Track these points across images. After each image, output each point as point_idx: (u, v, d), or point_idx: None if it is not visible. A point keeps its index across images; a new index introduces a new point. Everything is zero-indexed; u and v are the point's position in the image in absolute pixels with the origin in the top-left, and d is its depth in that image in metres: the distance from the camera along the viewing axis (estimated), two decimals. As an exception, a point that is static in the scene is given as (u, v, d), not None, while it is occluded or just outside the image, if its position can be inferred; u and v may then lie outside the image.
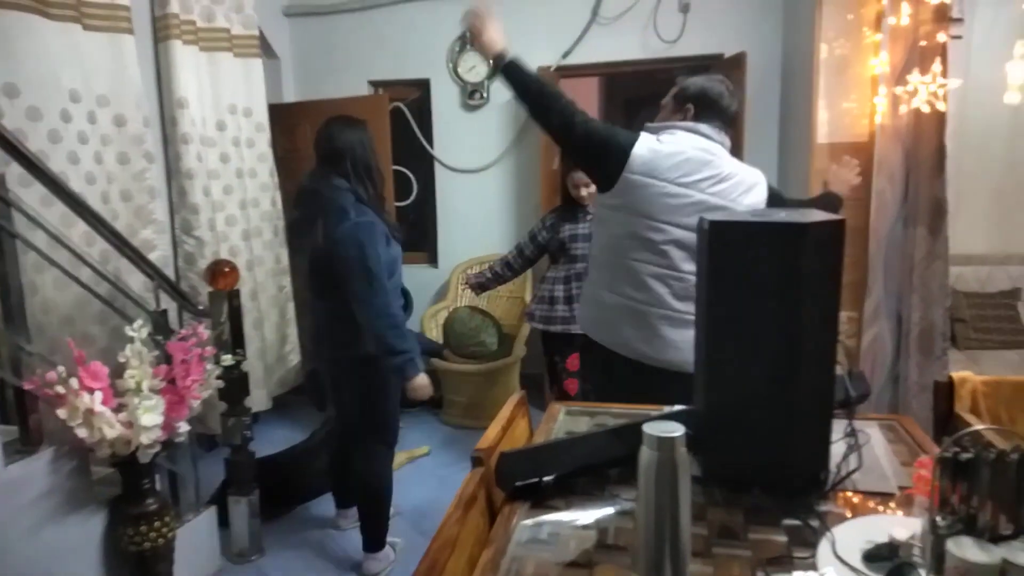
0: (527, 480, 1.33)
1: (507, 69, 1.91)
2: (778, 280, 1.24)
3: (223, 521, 2.61)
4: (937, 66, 2.69)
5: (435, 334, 4.18)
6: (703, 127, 1.95)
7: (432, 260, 4.62)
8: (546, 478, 1.35)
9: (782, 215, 1.33)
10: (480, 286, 3.39)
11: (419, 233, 4.89)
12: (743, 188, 1.95)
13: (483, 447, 1.41)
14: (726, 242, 1.28)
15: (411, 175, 4.56)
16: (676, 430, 0.97)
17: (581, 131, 1.88)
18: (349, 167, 2.39)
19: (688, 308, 1.92)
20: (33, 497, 1.89)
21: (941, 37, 2.62)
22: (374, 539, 2.55)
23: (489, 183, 4.31)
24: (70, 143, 2.73)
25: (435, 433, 3.95)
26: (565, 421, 1.73)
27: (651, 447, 0.97)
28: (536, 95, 1.91)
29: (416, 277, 4.50)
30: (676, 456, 0.96)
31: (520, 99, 1.94)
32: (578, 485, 1.37)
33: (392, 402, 2.54)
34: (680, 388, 1.98)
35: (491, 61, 1.97)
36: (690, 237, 1.85)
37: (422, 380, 2.42)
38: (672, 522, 0.97)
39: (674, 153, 1.88)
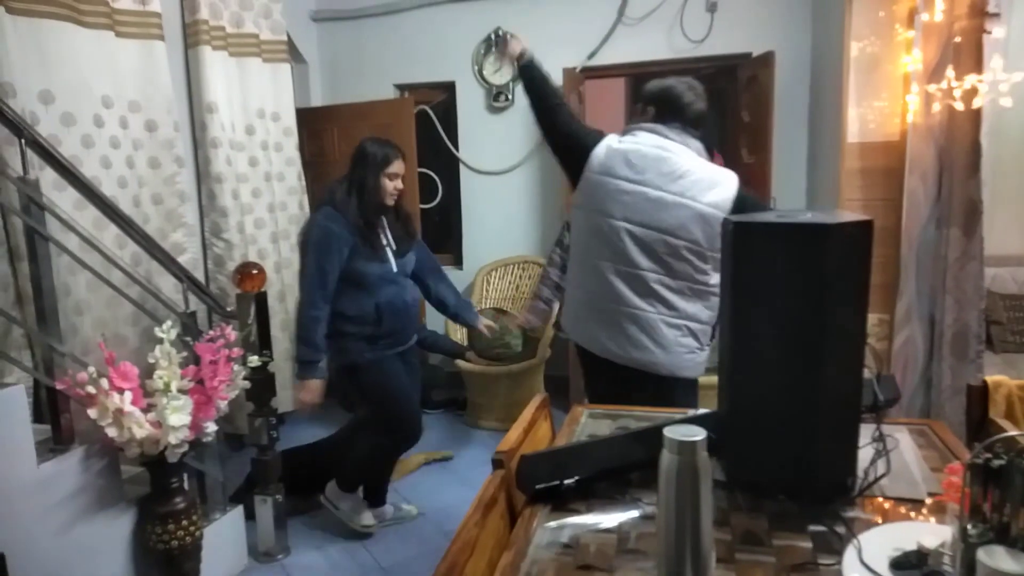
0: (548, 483, 1.32)
1: (522, 69, 2.15)
2: (803, 282, 1.22)
3: (249, 520, 2.65)
4: (973, 62, 2.63)
5: (460, 336, 4.19)
6: (661, 127, 2.05)
7: (457, 262, 4.63)
8: (567, 481, 1.34)
9: (808, 215, 1.31)
10: (540, 314, 3.38)
11: (444, 235, 4.91)
12: (704, 186, 1.96)
13: (504, 449, 1.40)
14: (750, 243, 1.26)
15: (436, 177, 4.58)
16: (697, 434, 0.95)
17: (563, 129, 2.08)
18: (347, 178, 2.62)
19: (649, 305, 1.99)
20: (64, 495, 1.93)
21: (977, 33, 2.55)
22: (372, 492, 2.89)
23: (514, 185, 4.31)
24: (102, 148, 2.78)
25: (459, 435, 3.95)
26: (587, 424, 1.72)
27: (672, 451, 0.96)
28: (538, 90, 2.11)
29: (441, 279, 4.52)
30: (697, 460, 0.95)
31: (527, 95, 2.13)
32: (599, 488, 1.36)
33: (393, 399, 2.68)
34: (654, 389, 2.00)
35: (514, 62, 2.21)
36: (646, 233, 1.96)
37: (309, 385, 2.57)
38: (693, 526, 0.95)
39: (629, 151, 2.00)
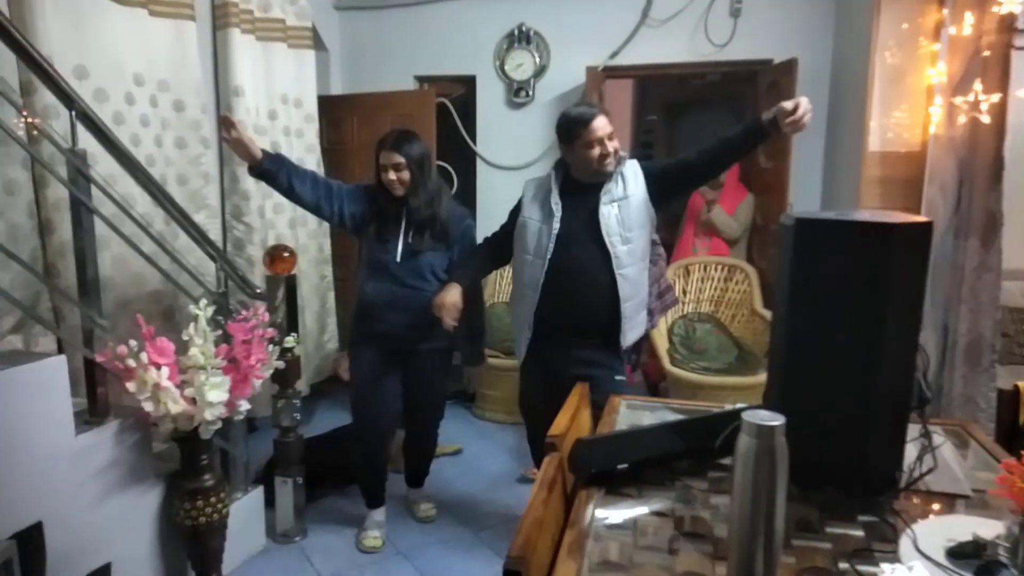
0: (602, 467, 1.35)
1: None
2: (862, 279, 1.25)
3: (268, 501, 2.66)
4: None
5: (471, 328, 4.20)
6: None
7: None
8: (620, 466, 1.37)
9: (865, 215, 1.34)
10: None
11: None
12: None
13: (555, 433, 1.43)
14: (810, 240, 1.29)
15: (452, 171, 4.59)
16: (776, 419, 0.98)
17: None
18: None
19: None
20: (99, 467, 1.94)
21: (1005, 47, 2.60)
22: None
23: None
24: (133, 125, 2.79)
25: (469, 427, 3.97)
26: (626, 414, 1.75)
27: (751, 435, 0.98)
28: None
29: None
30: (775, 444, 0.97)
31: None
32: (648, 475, 1.39)
33: (353, 393, 2.73)
34: None
35: None
36: None
37: None
38: (768, 509, 0.98)
39: None
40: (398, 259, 2.53)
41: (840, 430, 1.29)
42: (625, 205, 2.21)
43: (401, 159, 2.47)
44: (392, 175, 2.48)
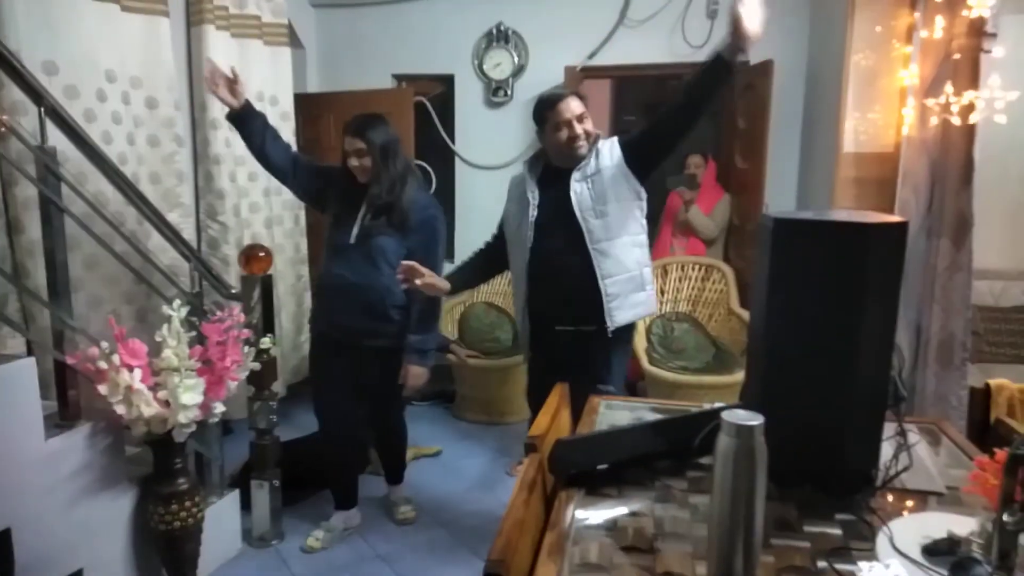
0: (582, 468, 1.35)
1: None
2: (839, 279, 1.26)
3: (244, 505, 2.63)
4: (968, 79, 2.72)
5: (451, 329, 4.19)
6: None
7: (449, 255, 4.60)
8: (600, 466, 1.36)
9: (843, 215, 1.35)
10: None
11: (435, 228, 4.90)
12: None
13: (536, 434, 1.42)
14: (788, 240, 1.29)
15: (431, 170, 4.57)
16: (755, 419, 0.99)
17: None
18: None
19: None
20: (70, 472, 1.91)
21: (975, 51, 2.65)
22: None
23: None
24: (104, 123, 2.74)
25: (447, 428, 3.96)
26: (605, 414, 1.75)
27: (730, 435, 0.99)
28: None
29: (432, 271, 4.51)
30: (755, 444, 0.98)
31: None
32: (628, 475, 1.39)
33: (313, 384, 2.78)
34: None
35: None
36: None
37: None
38: (747, 509, 0.99)
39: None
40: (352, 241, 2.47)
41: (817, 429, 1.30)
42: (598, 179, 2.21)
43: (363, 145, 2.41)
44: (355, 161, 2.43)
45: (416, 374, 2.55)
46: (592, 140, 2.23)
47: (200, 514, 2.17)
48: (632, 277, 2.28)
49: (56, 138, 1.99)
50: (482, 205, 4.43)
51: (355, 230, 2.47)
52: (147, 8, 2.92)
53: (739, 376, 3.50)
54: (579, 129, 2.19)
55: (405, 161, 2.54)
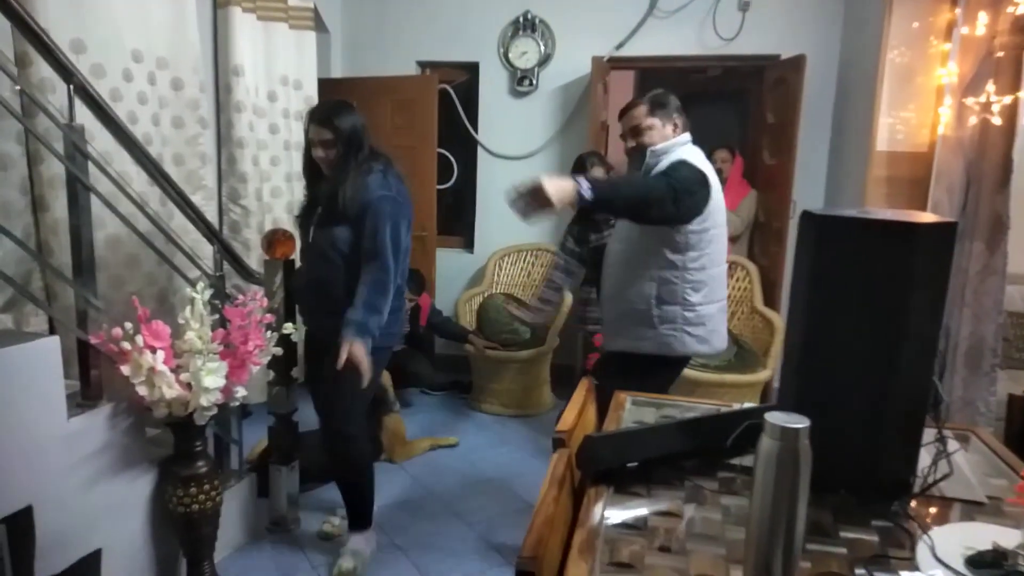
0: (611, 465, 1.32)
1: (595, 204, 1.88)
2: (886, 281, 1.22)
3: (261, 490, 2.62)
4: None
5: (469, 320, 4.17)
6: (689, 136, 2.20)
7: (468, 245, 4.61)
8: (629, 464, 1.34)
9: (888, 214, 1.31)
10: (540, 315, 3.01)
11: (455, 217, 4.88)
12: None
13: (563, 429, 1.40)
14: (832, 238, 1.26)
15: (452, 158, 4.54)
16: (801, 421, 0.95)
17: (685, 196, 1.95)
18: None
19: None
20: (91, 451, 1.90)
21: (1019, 49, 2.58)
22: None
23: (532, 171, 4.25)
24: (130, 103, 2.73)
25: (464, 419, 3.94)
26: (632, 411, 1.72)
27: (774, 437, 0.95)
28: (628, 202, 1.96)
29: (451, 261, 4.49)
30: (799, 447, 0.95)
31: (617, 214, 2.22)
32: (656, 474, 1.36)
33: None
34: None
35: (574, 207, 1.88)
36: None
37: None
38: (789, 513, 0.95)
39: (712, 170, 2.13)
40: (310, 238, 2.34)
41: (854, 432, 1.26)
42: None
43: (330, 135, 2.21)
44: (320, 152, 2.24)
45: (354, 351, 2.13)
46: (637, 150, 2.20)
47: (219, 497, 2.16)
48: (636, 310, 2.19)
49: (81, 116, 1.97)
50: (504, 195, 4.39)
51: (312, 226, 2.33)
52: (175, -12, 2.90)
53: (761, 375, 3.46)
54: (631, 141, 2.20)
55: (371, 149, 2.31)
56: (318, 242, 2.29)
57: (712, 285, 2.16)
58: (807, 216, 1.29)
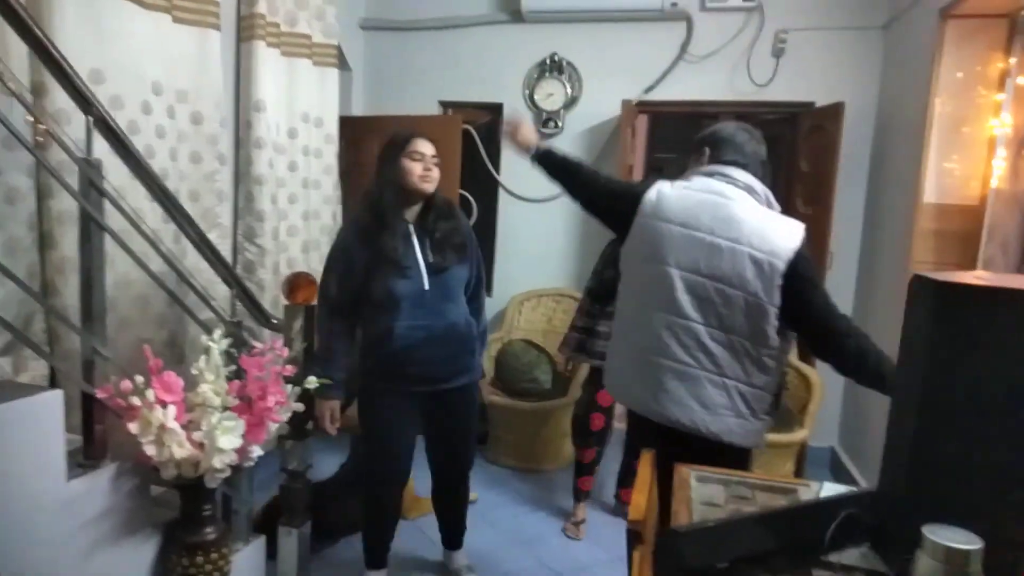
0: (701, 565, 1.14)
1: (538, 159, 2.11)
2: (1020, 355, 1.06)
3: (269, 553, 2.42)
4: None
5: (487, 366, 3.99)
6: (721, 169, 1.89)
7: (487, 288, 4.45)
8: (719, 564, 1.15)
9: (1010, 280, 1.15)
10: (580, 347, 3.12)
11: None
12: (762, 232, 1.76)
13: (638, 519, 1.22)
14: (958, 307, 1.10)
15: (472, 199, 4.42)
16: (972, 541, 0.78)
17: (606, 191, 2.04)
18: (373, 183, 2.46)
19: (695, 360, 1.82)
20: (92, 517, 1.72)
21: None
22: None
23: (554, 215, 4.15)
24: (148, 136, 2.61)
25: (479, 472, 3.69)
26: (697, 488, 1.54)
27: (936, 558, 0.79)
28: (564, 172, 2.09)
29: (468, 305, 4.34)
30: (970, 573, 0.77)
31: (552, 180, 2.12)
32: (741, 572, 1.18)
33: (375, 439, 2.44)
34: (699, 454, 1.72)
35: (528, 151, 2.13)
36: (698, 281, 1.80)
37: (321, 405, 2.34)
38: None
39: (682, 196, 1.87)
40: (426, 286, 2.24)
41: (976, 527, 1.08)
42: None
43: (434, 150, 2.30)
44: (429, 167, 2.27)
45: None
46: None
47: (227, 567, 1.97)
48: None
49: (97, 150, 1.83)
50: (525, 238, 4.27)
51: (424, 274, 2.24)
52: (199, 20, 2.81)
53: (798, 435, 3.27)
54: None
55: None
56: (444, 285, 2.29)
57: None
58: (920, 281, 1.14)
